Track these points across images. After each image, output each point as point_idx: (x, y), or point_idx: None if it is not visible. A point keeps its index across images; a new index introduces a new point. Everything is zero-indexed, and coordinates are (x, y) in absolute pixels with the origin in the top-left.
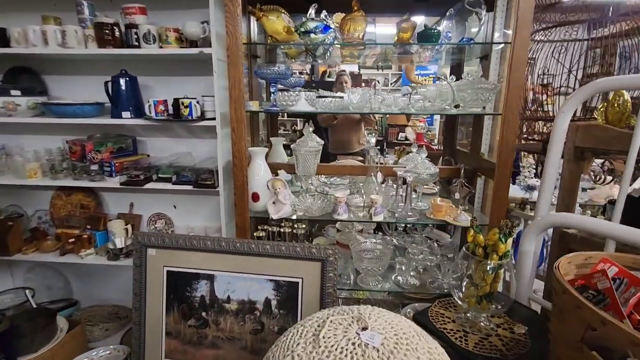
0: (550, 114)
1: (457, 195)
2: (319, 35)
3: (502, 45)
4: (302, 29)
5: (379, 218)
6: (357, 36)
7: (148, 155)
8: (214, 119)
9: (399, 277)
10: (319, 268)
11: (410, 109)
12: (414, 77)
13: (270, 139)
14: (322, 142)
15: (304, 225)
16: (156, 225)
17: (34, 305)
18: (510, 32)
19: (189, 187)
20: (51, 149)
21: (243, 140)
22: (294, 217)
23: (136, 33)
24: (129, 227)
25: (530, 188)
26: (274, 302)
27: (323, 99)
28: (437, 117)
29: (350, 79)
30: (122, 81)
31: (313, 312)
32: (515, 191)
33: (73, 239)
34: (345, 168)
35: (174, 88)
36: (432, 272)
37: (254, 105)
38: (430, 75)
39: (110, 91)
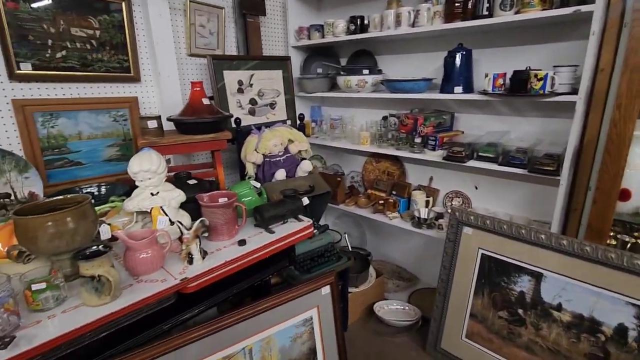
0: None
1: None
2: None
3: None
4: None
5: None
6: None
7: (462, 132)
8: (570, 93)
9: None
10: None
11: None
12: None
13: None
14: None
15: None
16: (452, 203)
17: (350, 249)
18: None
19: (520, 171)
20: (377, 120)
21: (632, 122)
22: None
23: (489, 1)
24: (430, 199)
25: None
26: (632, 334)
27: None
28: None
29: None
30: (457, 56)
31: None
32: None
33: (382, 201)
34: None
35: (501, 60)
36: None
37: None
38: None
39: (444, 66)
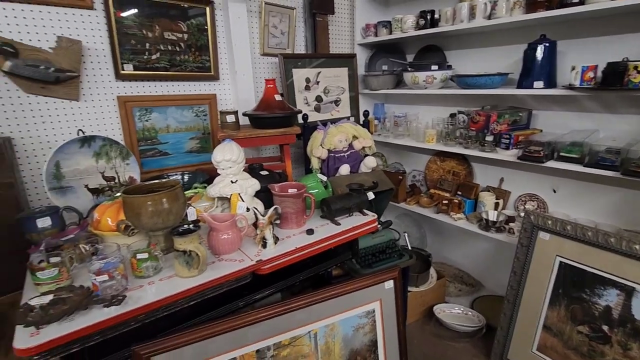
0: None
1: None
2: None
3: None
4: None
5: None
6: None
7: (541, 130)
8: None
9: None
10: None
11: None
12: None
13: None
14: None
15: None
16: (525, 207)
17: (409, 248)
18: None
19: (610, 174)
20: (443, 118)
21: None
22: None
23: None
24: (500, 202)
25: None
26: None
27: None
28: None
29: None
30: (539, 48)
31: None
32: None
33: (446, 201)
34: None
35: (590, 51)
36: None
37: None
38: None
39: (524, 60)
